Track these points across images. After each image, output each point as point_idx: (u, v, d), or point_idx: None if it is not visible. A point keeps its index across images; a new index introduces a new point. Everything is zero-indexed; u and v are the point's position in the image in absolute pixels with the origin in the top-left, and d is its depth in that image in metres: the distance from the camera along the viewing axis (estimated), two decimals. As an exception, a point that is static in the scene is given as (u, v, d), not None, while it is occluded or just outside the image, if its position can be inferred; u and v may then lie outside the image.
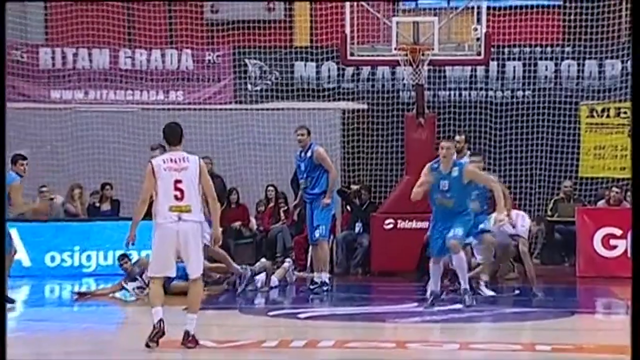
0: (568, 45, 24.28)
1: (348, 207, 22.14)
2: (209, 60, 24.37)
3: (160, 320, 10.40)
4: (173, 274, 11.01)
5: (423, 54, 20.58)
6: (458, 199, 13.64)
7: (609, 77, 23.88)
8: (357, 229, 21.36)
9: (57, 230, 21.08)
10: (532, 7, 24.59)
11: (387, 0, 23.89)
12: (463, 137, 18.60)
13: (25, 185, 19.20)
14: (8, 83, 24.10)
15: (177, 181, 10.44)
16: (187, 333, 10.43)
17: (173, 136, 10.65)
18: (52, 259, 20.71)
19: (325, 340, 12.37)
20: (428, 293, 15.69)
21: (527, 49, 24.11)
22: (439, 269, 14.63)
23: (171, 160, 10.52)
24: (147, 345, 10.36)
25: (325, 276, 18.32)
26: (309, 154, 17.91)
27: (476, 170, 14.03)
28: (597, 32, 24.13)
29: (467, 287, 14.84)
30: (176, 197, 10.45)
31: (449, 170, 13.61)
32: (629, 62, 23.96)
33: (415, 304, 16.17)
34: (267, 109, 23.66)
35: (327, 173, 17.93)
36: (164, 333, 10.41)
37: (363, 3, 22.29)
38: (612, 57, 23.87)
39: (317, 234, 18.07)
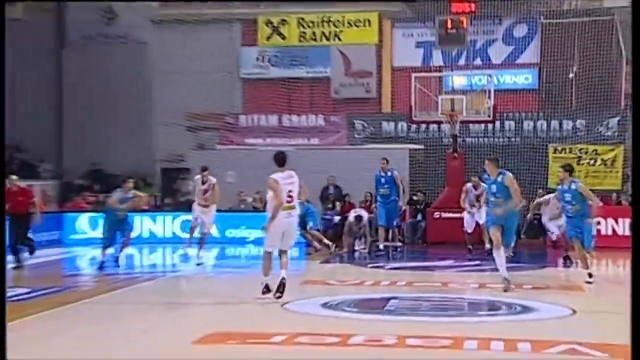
0: (541, 111, 25.18)
1: (414, 206, 22.38)
2: (333, 121, 25.63)
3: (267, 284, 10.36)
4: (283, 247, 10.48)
5: (456, 117, 22.10)
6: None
7: (565, 130, 24.63)
8: (418, 218, 22.25)
9: (240, 217, 21.64)
10: (520, 89, 25.84)
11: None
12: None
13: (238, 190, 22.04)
14: (223, 135, 25.65)
15: (289, 190, 10.24)
16: (282, 280, 10.22)
17: (281, 160, 10.37)
18: (230, 233, 21.38)
19: (400, 282, 12.95)
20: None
21: (517, 114, 24.81)
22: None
23: (286, 177, 10.30)
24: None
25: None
26: (389, 173, 18.58)
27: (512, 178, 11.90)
28: (557, 104, 25.48)
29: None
30: (288, 201, 10.24)
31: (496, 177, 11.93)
32: (578, 121, 24.55)
33: (452, 260, 16.65)
34: (366, 149, 23.84)
35: (398, 187, 18.70)
36: (269, 290, 10.34)
37: (420, 87, 23.11)
38: (567, 119, 24.66)
39: (394, 222, 19.41)
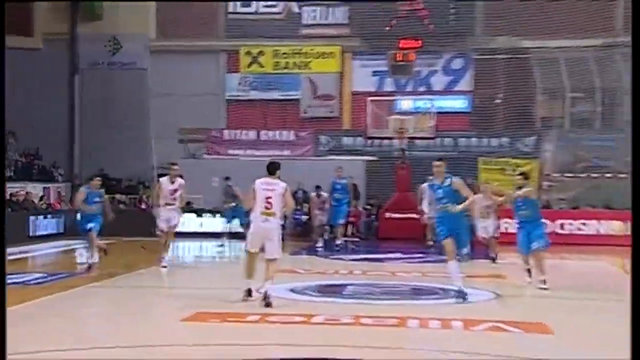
0: (473, 130, 25.08)
1: (369, 209, 22.51)
2: (302, 136, 25.39)
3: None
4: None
5: (404, 134, 22.09)
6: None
7: (492, 146, 24.56)
8: (372, 218, 22.29)
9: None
10: (457, 112, 25.59)
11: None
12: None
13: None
14: (210, 146, 25.06)
15: (268, 197, 8.99)
16: (266, 293, 8.75)
17: (270, 169, 9.24)
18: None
19: (356, 271, 12.89)
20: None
21: (455, 132, 24.67)
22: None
23: (267, 183, 9.11)
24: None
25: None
26: (343, 180, 18.11)
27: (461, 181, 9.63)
28: (486, 124, 25.41)
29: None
30: (266, 207, 8.98)
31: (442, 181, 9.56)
32: (503, 138, 24.51)
33: (399, 253, 16.34)
34: (329, 160, 23.32)
35: (350, 193, 18.36)
36: (251, 295, 9.04)
37: (375, 109, 23.08)
38: (493, 137, 24.70)
39: (342, 221, 18.42)
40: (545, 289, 10.61)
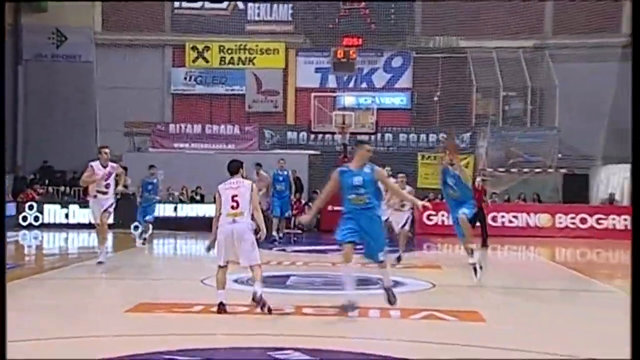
0: (413, 126, 25.69)
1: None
2: (247, 130, 25.55)
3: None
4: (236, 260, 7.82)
5: (346, 129, 22.42)
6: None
7: (430, 141, 25.20)
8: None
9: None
10: (397, 108, 26.14)
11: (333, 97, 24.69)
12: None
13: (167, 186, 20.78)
14: (155, 140, 24.96)
15: (234, 195, 7.83)
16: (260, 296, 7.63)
17: (232, 169, 8.04)
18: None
19: (298, 262, 13.01)
20: None
21: (395, 128, 25.30)
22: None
23: (231, 182, 7.92)
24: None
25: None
26: (285, 172, 17.73)
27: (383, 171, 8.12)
28: (425, 121, 26.03)
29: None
30: (232, 207, 7.80)
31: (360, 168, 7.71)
32: (440, 134, 24.82)
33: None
34: (274, 154, 22.64)
35: (291, 185, 17.83)
36: (224, 309, 7.63)
37: (318, 104, 23.52)
38: (432, 133, 25.28)
39: (286, 214, 18.04)
40: (473, 264, 10.17)
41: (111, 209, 12.23)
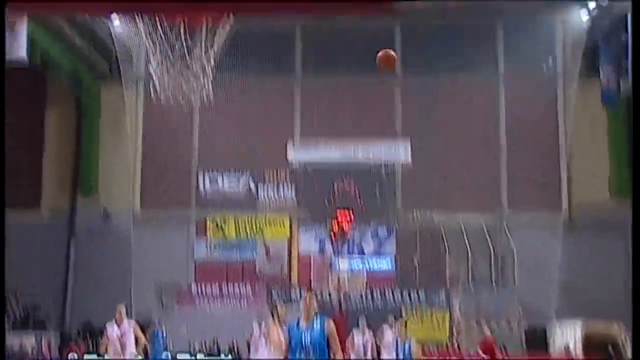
0: (396, 287, 26.69)
1: None
2: (257, 289, 26.89)
3: None
4: None
5: (341, 289, 24.05)
6: None
7: (413, 298, 26.55)
8: None
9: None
10: (383, 270, 27.37)
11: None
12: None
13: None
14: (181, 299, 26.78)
15: None
16: None
17: None
18: None
19: None
20: None
21: (381, 287, 26.08)
22: None
23: None
24: None
25: None
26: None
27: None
28: (407, 280, 27.30)
29: None
30: None
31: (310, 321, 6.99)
32: (420, 292, 26.90)
33: None
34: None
35: None
36: None
37: (317, 267, 25.49)
38: (412, 291, 27.01)
39: None
40: None
41: None
